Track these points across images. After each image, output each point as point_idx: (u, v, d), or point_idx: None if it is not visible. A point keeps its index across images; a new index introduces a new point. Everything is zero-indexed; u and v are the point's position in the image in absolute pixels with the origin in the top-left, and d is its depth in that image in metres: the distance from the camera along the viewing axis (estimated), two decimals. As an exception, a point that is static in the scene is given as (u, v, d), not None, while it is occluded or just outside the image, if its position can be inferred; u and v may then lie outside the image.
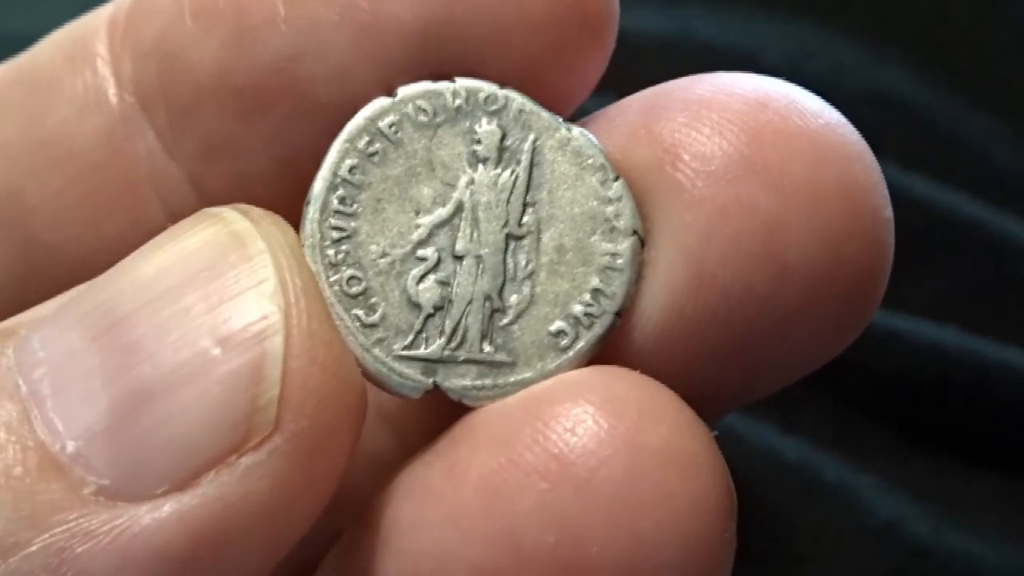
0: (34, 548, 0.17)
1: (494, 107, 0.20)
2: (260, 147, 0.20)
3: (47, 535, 0.17)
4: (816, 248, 0.19)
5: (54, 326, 0.18)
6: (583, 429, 0.18)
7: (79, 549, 0.17)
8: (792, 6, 0.38)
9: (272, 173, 0.21)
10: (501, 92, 0.20)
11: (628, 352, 0.20)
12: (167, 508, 0.17)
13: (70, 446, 0.17)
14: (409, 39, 0.19)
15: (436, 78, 0.20)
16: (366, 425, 0.19)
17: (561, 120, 0.20)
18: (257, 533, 0.17)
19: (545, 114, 0.20)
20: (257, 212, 0.19)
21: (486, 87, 0.20)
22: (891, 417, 0.32)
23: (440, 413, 0.20)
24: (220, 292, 0.18)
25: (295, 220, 0.19)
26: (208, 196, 0.21)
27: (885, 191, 0.19)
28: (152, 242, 0.19)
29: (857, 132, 0.19)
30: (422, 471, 0.19)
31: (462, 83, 0.20)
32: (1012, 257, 0.34)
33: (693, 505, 0.18)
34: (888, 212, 0.19)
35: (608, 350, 0.20)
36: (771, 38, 0.37)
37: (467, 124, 0.20)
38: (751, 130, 0.19)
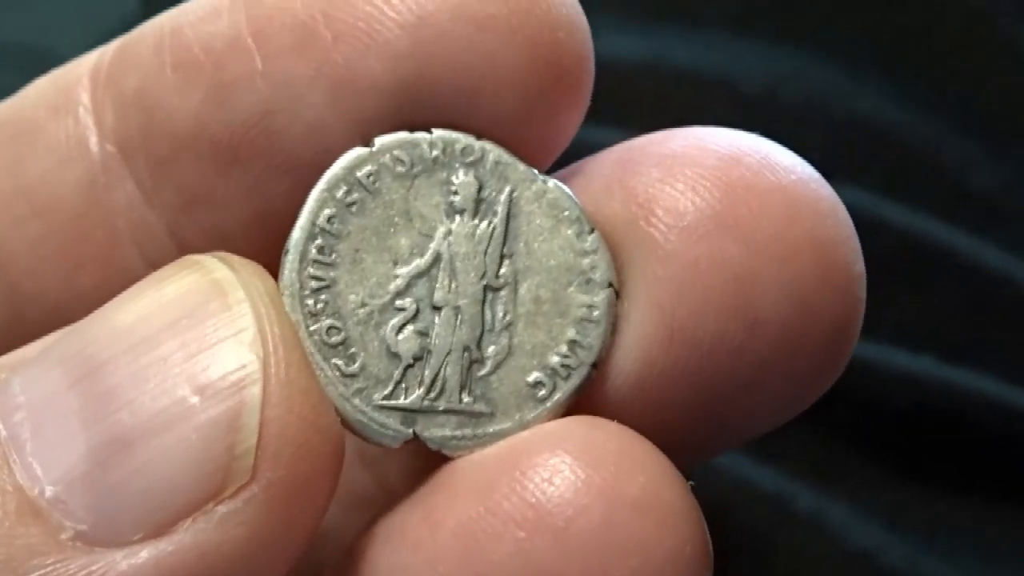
0: None
1: (471, 158, 0.20)
2: (238, 200, 0.20)
3: None
4: (787, 302, 0.19)
5: (34, 370, 0.18)
6: (560, 479, 0.18)
7: None
8: (770, 31, 0.38)
9: (250, 226, 0.21)
10: (477, 144, 0.20)
11: (603, 403, 0.20)
12: (144, 555, 0.17)
13: (48, 491, 0.17)
14: (384, 95, 0.19)
15: (413, 129, 0.20)
16: (348, 469, 0.19)
17: (537, 172, 0.20)
18: None
19: (521, 166, 0.20)
20: (237, 260, 0.19)
21: (462, 138, 0.20)
22: (866, 446, 0.32)
23: (421, 458, 0.20)
24: (199, 340, 0.18)
25: (273, 271, 0.19)
26: (187, 247, 0.21)
27: (857, 246, 0.20)
28: (133, 288, 0.19)
29: (829, 187, 0.20)
30: (401, 518, 0.19)
31: (439, 134, 0.20)
32: (987, 283, 0.34)
33: (669, 555, 0.18)
34: (859, 267, 0.20)
35: (584, 401, 0.20)
36: (749, 63, 0.38)
37: (444, 175, 0.20)
38: (724, 186, 0.19)
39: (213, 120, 0.20)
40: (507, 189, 0.20)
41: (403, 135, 0.20)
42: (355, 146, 0.20)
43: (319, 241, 0.19)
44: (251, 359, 0.17)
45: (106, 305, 0.19)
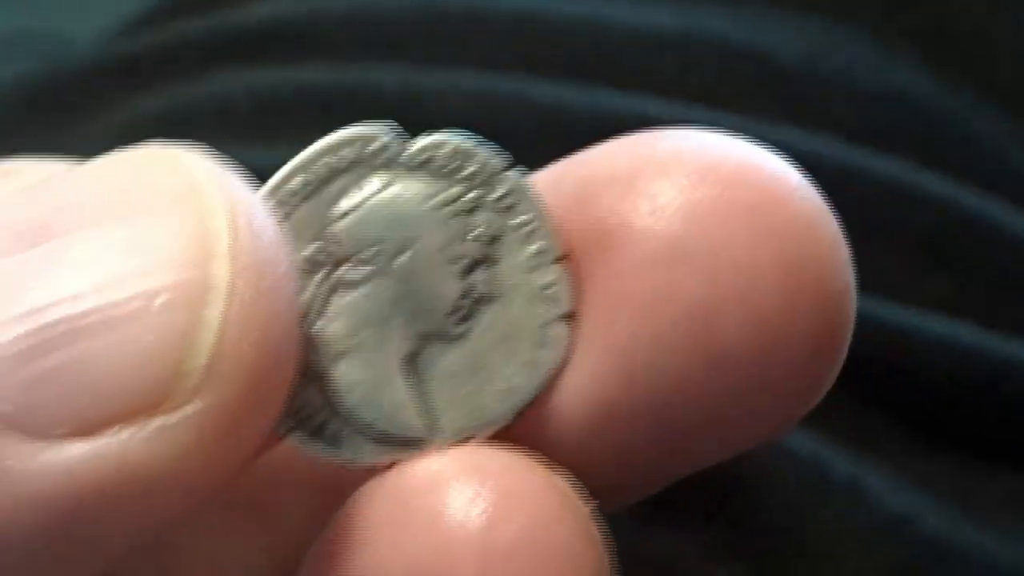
0: None
1: None
2: None
3: None
4: (750, 336, 0.18)
5: None
6: (438, 526, 0.17)
7: None
8: (801, 5, 0.38)
9: None
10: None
11: (559, 443, 0.19)
12: (61, 452, 0.16)
13: None
14: None
15: None
16: None
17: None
18: (146, 499, 0.16)
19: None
20: (216, 166, 0.18)
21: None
22: (904, 413, 0.32)
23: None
24: (162, 247, 0.17)
25: None
26: None
27: (840, 258, 0.18)
28: (99, 163, 0.17)
29: (812, 197, 0.18)
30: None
31: None
32: None
33: None
34: (840, 282, 0.18)
35: (535, 438, 0.19)
36: (784, 35, 0.37)
37: None
38: (686, 207, 0.18)
39: None
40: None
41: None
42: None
43: None
44: (221, 275, 0.16)
45: (66, 173, 0.17)
